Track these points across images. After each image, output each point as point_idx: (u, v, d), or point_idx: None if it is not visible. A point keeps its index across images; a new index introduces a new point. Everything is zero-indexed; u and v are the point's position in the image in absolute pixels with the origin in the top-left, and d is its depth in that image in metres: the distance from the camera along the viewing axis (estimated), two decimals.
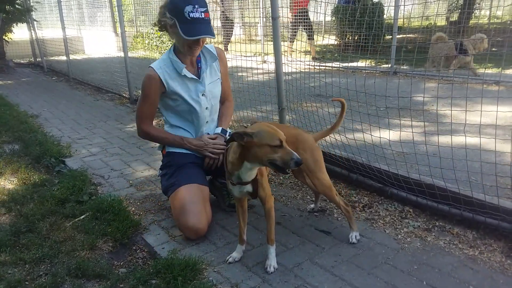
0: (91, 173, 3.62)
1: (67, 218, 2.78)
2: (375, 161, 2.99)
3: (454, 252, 2.22)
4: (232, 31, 10.83)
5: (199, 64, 2.70)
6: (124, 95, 6.81)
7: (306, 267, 2.15)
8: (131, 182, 3.43)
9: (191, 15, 2.37)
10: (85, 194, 3.10)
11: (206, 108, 2.73)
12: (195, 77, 2.63)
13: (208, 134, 2.77)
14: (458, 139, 2.98)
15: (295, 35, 9.48)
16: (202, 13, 2.42)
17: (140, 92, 2.85)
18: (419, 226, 2.50)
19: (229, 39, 10.54)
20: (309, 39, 9.57)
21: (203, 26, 2.44)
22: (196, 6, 2.38)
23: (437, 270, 2.08)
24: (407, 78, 6.80)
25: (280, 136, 1.85)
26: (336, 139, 3.26)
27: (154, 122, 2.82)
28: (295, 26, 9.32)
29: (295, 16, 9.19)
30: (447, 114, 3.27)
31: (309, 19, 9.51)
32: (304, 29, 9.62)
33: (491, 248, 2.23)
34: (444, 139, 2.97)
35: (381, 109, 5.59)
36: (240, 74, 5.07)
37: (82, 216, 2.78)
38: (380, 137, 3.09)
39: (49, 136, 4.71)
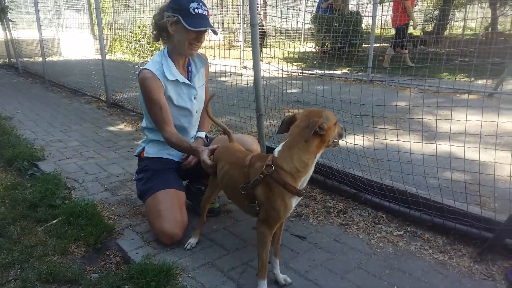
0: (65, 176, 3.56)
1: (39, 223, 2.72)
2: (350, 167, 3.04)
3: (425, 257, 2.28)
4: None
5: (189, 68, 2.72)
6: (101, 98, 6.71)
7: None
8: (106, 186, 3.38)
9: (196, 10, 2.41)
10: (58, 198, 3.03)
11: (196, 111, 2.75)
12: (188, 82, 2.64)
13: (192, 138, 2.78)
14: (431, 147, 3.05)
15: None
16: (205, 11, 2.47)
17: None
18: (391, 231, 2.56)
19: None
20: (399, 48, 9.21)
21: (207, 22, 2.48)
22: (200, 4, 2.45)
23: (408, 275, 2.13)
24: (383, 86, 6.95)
25: (328, 111, 1.85)
26: None
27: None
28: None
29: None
30: (421, 122, 3.35)
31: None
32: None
33: (460, 253, 2.30)
34: (417, 146, 3.04)
35: (357, 116, 5.72)
36: (219, 79, 5.08)
37: (55, 221, 2.72)
38: (354, 144, 3.15)
39: (22, 139, 4.59)
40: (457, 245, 2.37)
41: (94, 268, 2.32)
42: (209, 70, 2.96)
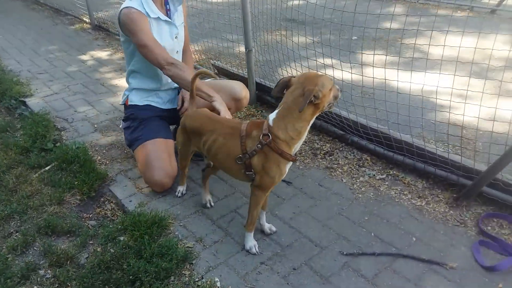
0: (54, 115, 3.56)
1: (33, 169, 2.79)
2: (338, 106, 3.01)
3: (403, 203, 2.41)
4: None
5: (167, 6, 2.59)
6: (85, 19, 6.40)
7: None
8: (95, 126, 3.40)
9: None
10: (49, 141, 3.08)
11: (177, 51, 2.67)
12: (169, 19, 2.52)
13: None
14: (417, 84, 2.82)
15: None
16: None
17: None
18: (374, 175, 2.66)
19: None
20: None
21: None
22: None
23: (386, 221, 2.27)
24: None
25: (323, 74, 1.85)
26: None
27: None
28: None
29: None
30: (412, 46, 3.14)
31: None
32: None
33: (437, 198, 2.42)
34: (405, 79, 2.88)
35: (354, 38, 5.55)
36: None
37: (48, 167, 2.80)
38: (342, 80, 3.05)
39: (7, 71, 4.49)
40: (436, 190, 2.48)
41: (90, 215, 2.45)
42: (186, 5, 2.80)
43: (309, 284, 1.89)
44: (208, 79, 2.89)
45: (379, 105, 2.96)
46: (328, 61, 2.88)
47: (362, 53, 2.80)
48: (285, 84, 1.86)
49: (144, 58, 2.49)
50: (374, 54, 2.70)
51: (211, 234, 2.22)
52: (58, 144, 3.10)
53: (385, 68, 2.53)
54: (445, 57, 2.35)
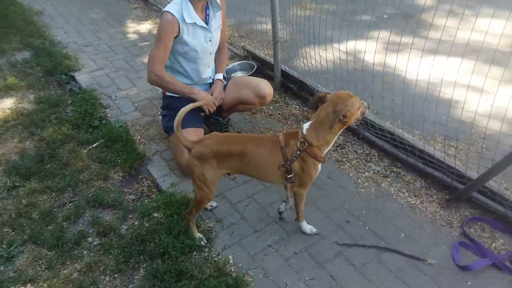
0: (100, 92, 3.98)
1: (82, 145, 3.26)
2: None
3: (400, 200, 2.71)
4: None
5: (207, 11, 2.86)
6: None
7: (277, 207, 2.66)
8: (136, 105, 3.81)
9: None
10: (96, 118, 3.52)
11: (210, 53, 2.97)
12: (205, 25, 2.81)
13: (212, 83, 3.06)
14: (436, 73, 2.82)
15: None
16: None
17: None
18: (378, 171, 2.95)
19: None
20: None
21: None
22: None
23: (381, 216, 2.60)
24: None
25: (354, 95, 2.13)
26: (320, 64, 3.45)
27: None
28: None
29: None
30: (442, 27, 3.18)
31: None
32: None
33: (431, 199, 2.71)
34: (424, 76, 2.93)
35: (385, 16, 5.60)
36: None
37: (95, 144, 3.25)
38: (363, 61, 3.15)
39: (56, 43, 4.92)
40: (431, 190, 2.76)
41: (130, 190, 2.91)
42: (225, 7, 3.05)
43: (306, 267, 2.28)
44: (236, 75, 3.19)
45: (396, 97, 3.17)
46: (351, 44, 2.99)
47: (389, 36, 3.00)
48: (320, 99, 2.18)
49: (182, 55, 2.85)
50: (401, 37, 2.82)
51: (229, 216, 2.63)
52: (104, 121, 3.54)
53: (408, 57, 2.63)
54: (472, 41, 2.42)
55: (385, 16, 5.56)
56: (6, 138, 3.31)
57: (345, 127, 2.18)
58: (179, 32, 2.72)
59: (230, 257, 2.35)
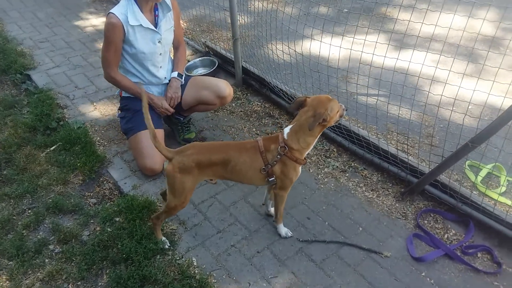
0: (57, 92, 3.87)
1: (40, 148, 3.18)
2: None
3: (358, 195, 2.81)
4: None
5: (156, 11, 2.83)
6: None
7: (240, 206, 2.72)
8: (95, 104, 3.73)
9: None
10: (53, 120, 3.43)
11: (160, 54, 2.95)
12: (152, 27, 2.79)
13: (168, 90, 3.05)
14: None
15: None
16: None
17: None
18: (337, 166, 3.04)
19: None
20: None
21: None
22: None
23: (339, 211, 2.69)
24: None
25: (333, 98, 2.19)
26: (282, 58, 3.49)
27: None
28: None
29: None
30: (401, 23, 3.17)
31: None
32: None
33: (387, 192, 2.82)
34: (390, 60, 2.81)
35: (344, 11, 5.68)
36: None
37: (53, 147, 3.18)
38: (328, 62, 3.19)
39: (10, 39, 4.73)
40: (387, 184, 2.88)
41: (91, 194, 2.87)
42: (178, 8, 3.04)
43: (268, 266, 2.35)
44: (196, 75, 3.19)
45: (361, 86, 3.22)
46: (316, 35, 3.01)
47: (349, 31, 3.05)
48: (300, 103, 2.22)
49: (132, 56, 2.86)
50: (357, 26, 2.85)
51: (192, 218, 2.65)
52: (62, 122, 3.45)
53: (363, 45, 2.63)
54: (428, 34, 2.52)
55: (345, 10, 5.65)
56: None
57: (324, 129, 2.25)
58: (125, 34, 2.70)
59: (193, 259, 2.38)
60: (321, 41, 2.92)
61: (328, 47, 2.83)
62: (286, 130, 2.21)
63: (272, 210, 2.61)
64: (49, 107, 3.55)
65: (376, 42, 2.58)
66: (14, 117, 3.46)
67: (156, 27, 2.82)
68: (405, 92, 2.85)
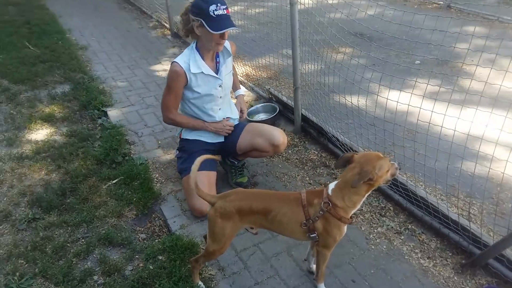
0: (128, 128, 4.15)
1: (103, 180, 3.38)
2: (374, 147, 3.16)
3: (412, 261, 2.59)
4: None
5: (218, 58, 2.98)
6: (165, 24, 7.02)
7: (282, 259, 2.63)
8: (159, 142, 3.93)
9: (216, 12, 2.65)
10: (119, 155, 3.66)
11: (220, 97, 3.06)
12: (213, 74, 2.92)
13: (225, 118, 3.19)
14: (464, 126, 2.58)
15: None
16: (224, 10, 2.69)
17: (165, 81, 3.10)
18: (392, 227, 2.84)
19: None
20: None
21: (227, 21, 2.72)
22: (219, 5, 2.66)
23: (389, 278, 2.48)
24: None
25: (384, 156, 2.06)
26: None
27: None
28: None
29: None
30: (482, 76, 2.95)
31: None
32: None
33: (445, 262, 2.56)
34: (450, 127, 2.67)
35: (417, 62, 5.52)
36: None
37: (115, 180, 3.36)
38: (384, 118, 3.06)
39: (95, 78, 5.22)
40: (446, 253, 2.62)
41: (142, 229, 2.96)
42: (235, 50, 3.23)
43: None
44: (258, 116, 3.27)
45: (419, 147, 3.07)
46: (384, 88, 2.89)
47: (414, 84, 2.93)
48: (347, 160, 2.12)
49: (193, 101, 2.99)
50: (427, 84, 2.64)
51: (232, 265, 2.61)
52: (127, 157, 3.67)
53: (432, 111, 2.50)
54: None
55: (417, 62, 5.49)
56: (34, 170, 3.50)
57: (373, 189, 2.10)
58: (187, 81, 2.84)
59: None
60: (387, 98, 2.77)
61: (396, 97, 2.72)
62: (331, 186, 2.12)
63: (314, 267, 2.48)
64: (118, 143, 3.80)
65: (449, 103, 2.39)
66: (85, 149, 3.74)
67: (217, 73, 2.94)
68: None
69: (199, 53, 2.86)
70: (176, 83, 2.88)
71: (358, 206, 2.13)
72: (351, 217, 2.14)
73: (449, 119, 2.48)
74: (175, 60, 2.85)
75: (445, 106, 2.46)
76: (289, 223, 2.17)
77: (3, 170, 3.50)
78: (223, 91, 3.05)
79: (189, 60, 2.83)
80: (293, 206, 2.16)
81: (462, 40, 2.65)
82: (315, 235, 2.16)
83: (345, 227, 2.17)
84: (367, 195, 2.10)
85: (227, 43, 2.99)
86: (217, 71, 2.97)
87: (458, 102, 2.56)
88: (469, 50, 2.40)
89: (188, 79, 2.85)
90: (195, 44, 2.88)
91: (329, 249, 2.22)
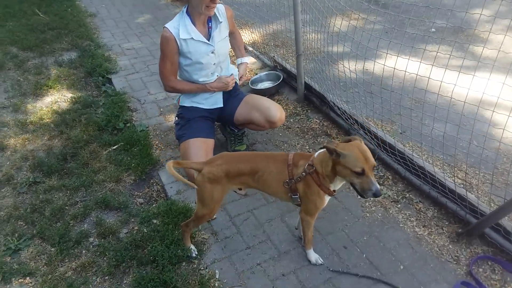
0: (130, 96, 4.14)
1: (103, 146, 3.41)
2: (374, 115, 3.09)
3: (406, 229, 2.55)
4: None
5: (210, 23, 2.89)
6: None
7: (275, 224, 2.62)
8: (161, 110, 3.92)
9: None
10: (121, 121, 3.67)
11: (214, 63, 2.99)
12: (204, 40, 2.84)
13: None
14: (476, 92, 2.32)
15: None
16: None
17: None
18: (389, 195, 2.79)
19: None
20: None
21: None
22: None
23: (382, 245, 2.45)
24: None
25: (365, 165, 1.86)
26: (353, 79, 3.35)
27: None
28: None
29: None
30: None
31: None
32: None
33: (441, 231, 2.51)
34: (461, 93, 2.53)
35: (432, 30, 5.29)
36: None
37: (115, 146, 3.39)
38: (391, 87, 2.94)
39: (102, 45, 5.20)
40: (443, 221, 2.57)
41: (140, 194, 3.00)
42: (232, 14, 3.07)
43: None
44: (262, 84, 3.19)
45: (426, 114, 2.95)
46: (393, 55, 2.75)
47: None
48: (349, 140, 2.01)
49: (187, 67, 2.91)
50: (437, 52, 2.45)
51: (225, 230, 2.62)
52: (128, 124, 3.68)
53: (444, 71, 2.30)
54: None
55: (433, 30, 5.26)
56: (37, 135, 3.55)
57: (340, 175, 1.97)
58: (178, 47, 2.77)
59: (217, 271, 2.34)
60: (394, 68, 2.59)
61: (404, 65, 2.60)
62: (320, 151, 2.08)
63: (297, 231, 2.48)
64: (120, 109, 3.80)
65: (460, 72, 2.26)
66: (88, 116, 3.77)
67: (209, 39, 2.86)
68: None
69: (190, 18, 2.77)
70: (168, 49, 2.80)
71: (337, 185, 2.07)
72: (334, 191, 2.09)
73: (459, 89, 2.33)
74: (165, 25, 2.78)
75: (456, 74, 2.30)
76: (273, 181, 2.16)
77: (7, 135, 3.56)
78: (216, 57, 2.95)
79: (179, 25, 2.75)
80: (279, 166, 2.15)
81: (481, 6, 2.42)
82: (297, 196, 2.14)
83: (327, 197, 2.12)
84: (337, 179, 2.01)
85: (221, 8, 2.89)
86: (209, 36, 2.88)
87: (471, 68, 2.39)
88: (482, 16, 2.24)
89: (179, 44, 2.79)
90: (186, 8, 2.80)
91: (311, 216, 2.20)
